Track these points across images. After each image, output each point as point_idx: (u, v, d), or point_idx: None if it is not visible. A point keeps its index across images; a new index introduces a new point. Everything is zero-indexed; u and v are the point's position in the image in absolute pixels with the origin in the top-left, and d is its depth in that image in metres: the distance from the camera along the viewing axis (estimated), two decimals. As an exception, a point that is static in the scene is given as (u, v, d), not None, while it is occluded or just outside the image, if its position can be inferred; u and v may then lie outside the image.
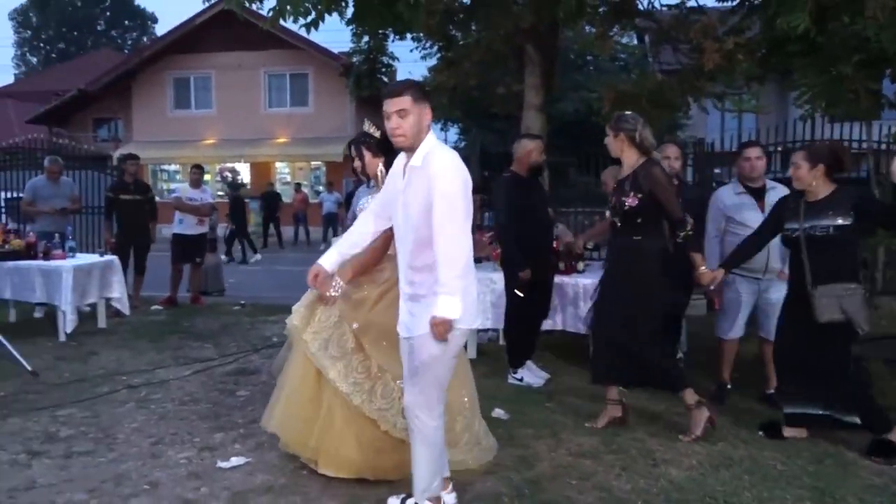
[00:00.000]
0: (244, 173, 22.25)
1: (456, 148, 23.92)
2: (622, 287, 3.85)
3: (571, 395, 4.62)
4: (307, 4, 4.87)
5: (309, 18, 5.05)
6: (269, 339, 6.39)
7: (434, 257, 2.65)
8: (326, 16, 5.22)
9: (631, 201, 3.76)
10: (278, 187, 20.23)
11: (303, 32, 5.38)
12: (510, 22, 6.31)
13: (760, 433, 3.86)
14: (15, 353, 5.19)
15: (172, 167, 22.48)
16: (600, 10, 6.50)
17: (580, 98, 14.19)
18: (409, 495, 2.88)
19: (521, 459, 3.53)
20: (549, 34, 6.35)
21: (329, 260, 2.98)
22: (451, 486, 2.99)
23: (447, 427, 2.98)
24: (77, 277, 6.28)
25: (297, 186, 20.16)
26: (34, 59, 48.28)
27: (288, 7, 4.76)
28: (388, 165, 3.25)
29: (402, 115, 2.69)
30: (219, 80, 21.81)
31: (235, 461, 3.53)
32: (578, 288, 5.19)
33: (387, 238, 3.09)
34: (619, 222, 3.87)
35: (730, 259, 4.09)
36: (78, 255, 6.90)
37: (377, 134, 3.43)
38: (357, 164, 3.54)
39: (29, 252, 6.51)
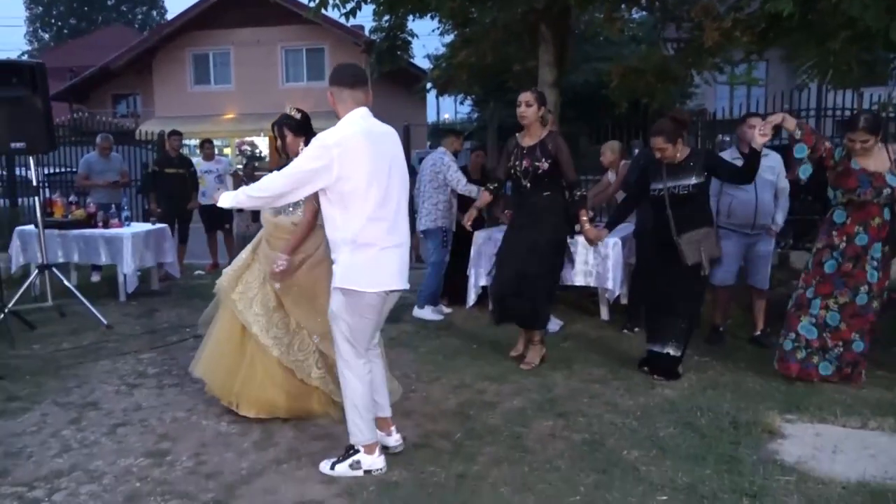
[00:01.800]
0: (263, 147, 22.85)
1: (469, 120, 24.28)
2: (537, 236, 4.51)
3: (582, 338, 5.30)
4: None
5: (349, 7, 5.64)
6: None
7: (331, 231, 3.03)
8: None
9: (543, 165, 4.45)
10: (296, 160, 20.87)
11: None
12: (525, 3, 6.81)
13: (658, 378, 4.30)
14: (93, 309, 5.91)
15: (193, 142, 23.07)
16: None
17: (591, 69, 14.57)
18: (339, 459, 3.11)
19: (542, 385, 4.22)
20: (562, 15, 6.86)
21: None
22: (392, 428, 3.27)
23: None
24: (135, 244, 6.96)
25: (316, 159, 20.79)
26: (46, 36, 48.58)
27: (329, -1, 5.34)
28: (308, 144, 3.52)
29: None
30: (237, 56, 22.34)
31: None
32: (588, 246, 5.79)
33: (313, 212, 3.49)
34: (529, 183, 4.52)
35: (612, 220, 4.72)
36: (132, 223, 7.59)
37: (297, 115, 3.74)
38: (278, 143, 3.80)
39: (90, 221, 7.20)
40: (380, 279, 3.04)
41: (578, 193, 4.58)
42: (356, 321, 3.05)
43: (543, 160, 4.47)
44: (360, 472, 3.07)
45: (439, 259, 6.09)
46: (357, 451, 3.10)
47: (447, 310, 6.21)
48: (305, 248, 3.65)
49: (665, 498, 2.82)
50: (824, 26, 5.94)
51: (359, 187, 2.95)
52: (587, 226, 4.64)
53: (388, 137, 3.16)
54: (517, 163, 4.57)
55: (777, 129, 4.64)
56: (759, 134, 4.07)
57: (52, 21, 48.39)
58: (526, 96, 4.54)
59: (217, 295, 3.94)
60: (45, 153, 7.24)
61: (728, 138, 11.40)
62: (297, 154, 3.66)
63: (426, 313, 6.05)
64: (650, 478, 2.99)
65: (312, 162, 2.95)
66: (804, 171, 4.20)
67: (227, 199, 3.15)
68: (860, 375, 4.16)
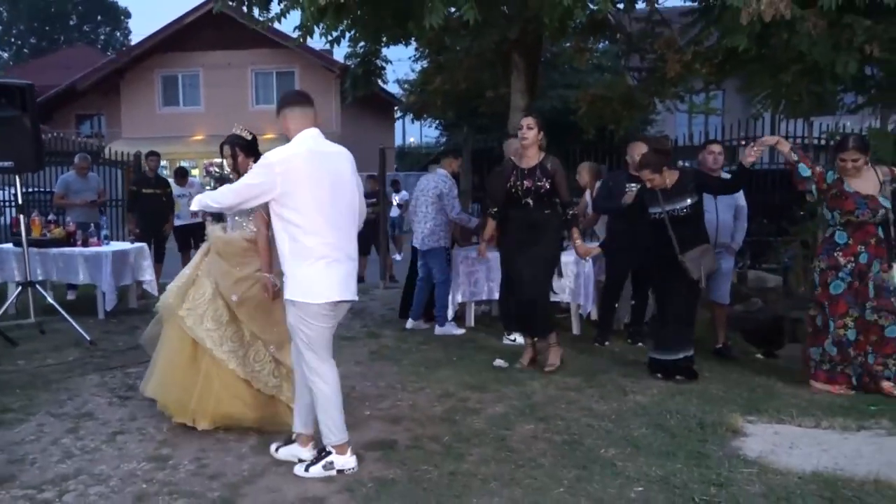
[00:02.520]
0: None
1: (437, 143, 24.69)
2: (541, 249, 4.87)
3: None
4: (330, 23, 5.69)
5: (334, 35, 5.92)
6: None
7: (281, 246, 3.24)
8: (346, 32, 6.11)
9: (545, 185, 4.83)
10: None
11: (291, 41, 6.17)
12: (499, 33, 7.18)
13: (658, 375, 4.70)
14: (76, 326, 5.98)
15: (161, 163, 22.97)
16: (578, 22, 7.40)
17: (558, 96, 15.05)
18: (313, 462, 3.26)
19: (521, 393, 4.47)
20: (534, 44, 7.24)
21: None
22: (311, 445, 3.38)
23: None
24: (115, 262, 7.04)
25: (284, 181, 20.90)
26: (5, 54, 47.83)
27: (315, 27, 5.59)
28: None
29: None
30: (207, 78, 22.38)
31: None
32: (562, 263, 6.08)
33: (266, 223, 3.59)
34: (532, 201, 4.86)
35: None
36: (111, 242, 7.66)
37: (248, 136, 3.94)
38: (229, 161, 3.96)
39: (69, 240, 7.26)
40: (326, 290, 3.21)
41: (570, 212, 4.94)
42: (312, 330, 3.23)
43: (545, 180, 4.81)
44: (333, 473, 3.22)
45: (446, 277, 6.22)
46: (329, 453, 3.26)
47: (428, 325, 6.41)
48: (259, 261, 3.73)
49: (641, 489, 3.08)
50: (777, 60, 6.42)
51: (304, 203, 3.17)
52: (578, 241, 5.00)
53: (338, 157, 3.37)
54: (518, 183, 4.87)
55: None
56: (748, 153, 4.46)
57: (13, 40, 47.69)
58: (528, 120, 4.90)
59: (159, 313, 4.01)
60: (34, 172, 7.30)
61: (688, 164, 11.96)
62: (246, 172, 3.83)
63: (449, 329, 6.18)
64: (627, 472, 3.24)
65: (256, 178, 3.24)
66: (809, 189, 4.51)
67: (196, 203, 3.48)
68: (880, 387, 4.31)
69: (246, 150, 3.92)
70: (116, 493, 3.12)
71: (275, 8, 6.19)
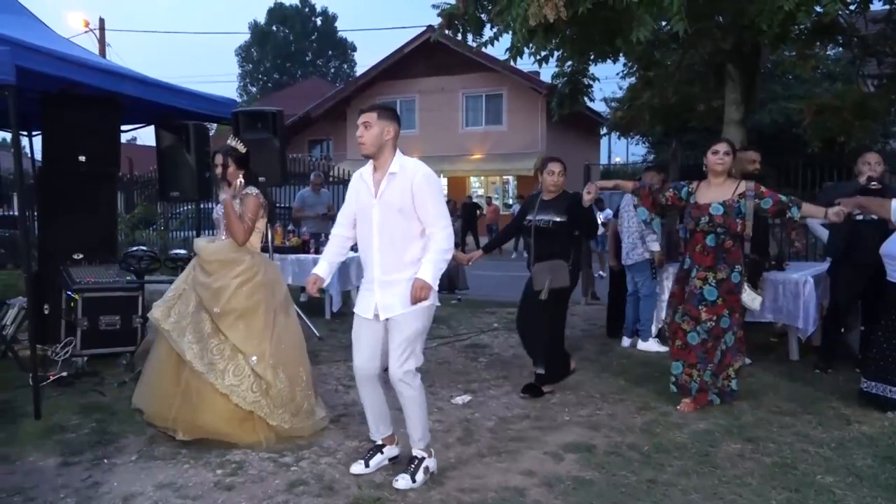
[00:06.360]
0: (443, 187, 24.23)
1: (644, 161, 24.11)
2: None
3: (770, 374, 5.24)
4: (539, 43, 5.91)
5: (542, 54, 6.15)
6: (490, 325, 7.54)
7: (415, 250, 3.18)
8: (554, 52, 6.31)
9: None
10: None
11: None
12: (712, 44, 6.94)
13: (524, 394, 4.71)
14: (309, 323, 6.76)
15: (378, 182, 24.87)
16: (802, 27, 6.92)
17: (778, 109, 14.04)
18: (414, 471, 3.23)
19: (727, 412, 4.29)
20: (751, 54, 6.90)
21: (322, 269, 3.47)
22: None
23: (289, 398, 3.75)
24: (341, 269, 7.82)
25: (489, 199, 21.62)
26: (254, 89, 54.75)
27: (525, 48, 5.84)
28: (246, 178, 3.98)
29: (366, 126, 3.22)
30: (422, 103, 23.97)
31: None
32: (778, 283, 5.72)
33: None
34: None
35: (488, 244, 5.26)
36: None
37: (243, 150, 4.03)
38: (219, 170, 4.00)
39: (303, 248, 8.22)
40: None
41: None
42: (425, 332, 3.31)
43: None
44: (428, 476, 3.28)
45: (651, 291, 6.15)
46: (424, 458, 3.31)
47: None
48: (237, 270, 3.80)
49: (863, 519, 2.86)
50: None
51: None
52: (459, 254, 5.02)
53: None
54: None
55: None
56: (585, 193, 4.44)
57: (259, 77, 54.55)
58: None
59: (151, 326, 4.14)
60: (280, 186, 8.39)
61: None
62: (235, 184, 3.96)
63: (652, 345, 6.12)
64: (846, 501, 3.02)
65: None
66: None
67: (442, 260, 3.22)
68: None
69: (238, 161, 4.04)
70: (342, 464, 3.54)
71: (487, 33, 6.54)
